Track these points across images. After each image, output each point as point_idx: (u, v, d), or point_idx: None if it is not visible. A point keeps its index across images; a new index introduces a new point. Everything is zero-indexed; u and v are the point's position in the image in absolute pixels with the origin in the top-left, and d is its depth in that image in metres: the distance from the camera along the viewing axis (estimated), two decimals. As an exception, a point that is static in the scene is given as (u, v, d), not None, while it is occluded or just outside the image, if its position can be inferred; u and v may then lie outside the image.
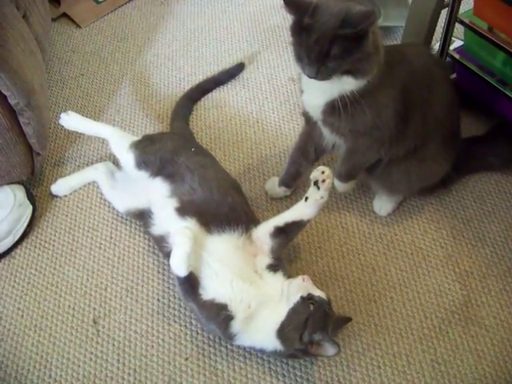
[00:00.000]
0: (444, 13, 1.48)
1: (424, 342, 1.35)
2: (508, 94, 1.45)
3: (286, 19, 2.18)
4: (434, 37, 1.56)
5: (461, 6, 1.45)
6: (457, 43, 1.85)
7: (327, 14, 1.15)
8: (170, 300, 1.44)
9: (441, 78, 1.37)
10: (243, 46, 2.09)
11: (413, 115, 1.32)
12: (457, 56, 1.55)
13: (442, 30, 1.50)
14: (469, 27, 1.47)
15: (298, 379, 1.30)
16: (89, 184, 1.68)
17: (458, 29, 1.58)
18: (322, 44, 1.15)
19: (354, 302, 1.42)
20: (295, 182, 1.58)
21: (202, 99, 1.90)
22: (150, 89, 1.95)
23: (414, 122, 1.33)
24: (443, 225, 1.55)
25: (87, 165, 1.72)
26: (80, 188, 1.67)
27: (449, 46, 1.54)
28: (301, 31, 1.19)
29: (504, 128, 1.62)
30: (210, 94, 1.91)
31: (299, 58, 1.24)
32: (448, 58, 1.57)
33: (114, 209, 1.61)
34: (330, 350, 1.16)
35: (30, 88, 1.45)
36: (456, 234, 1.53)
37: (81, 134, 1.79)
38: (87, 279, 1.49)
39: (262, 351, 1.28)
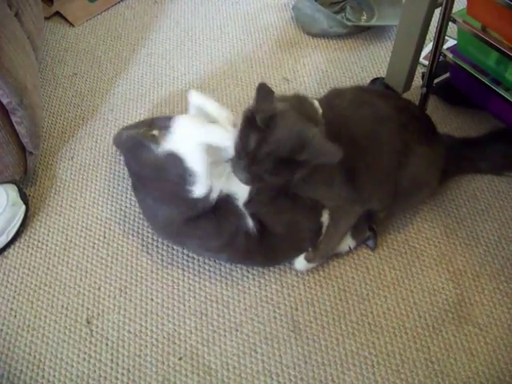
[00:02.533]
0: (437, 12, 1.48)
1: (418, 340, 1.35)
2: (501, 93, 1.45)
3: (279, 18, 2.18)
4: (427, 36, 1.56)
5: (454, 5, 1.45)
6: (450, 42, 1.85)
7: (287, 131, 1.11)
8: (163, 299, 1.43)
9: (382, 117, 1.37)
10: (237, 45, 2.09)
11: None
12: (450, 55, 1.55)
13: (435, 30, 1.50)
14: (462, 26, 1.47)
15: (292, 378, 1.30)
16: (81, 183, 1.67)
17: (452, 28, 1.58)
18: (268, 161, 1.11)
19: (347, 301, 1.42)
20: None
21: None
22: (144, 88, 1.95)
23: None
24: (436, 224, 1.55)
25: (80, 164, 1.72)
26: (73, 187, 1.66)
27: (442, 45, 1.54)
28: (253, 128, 1.12)
29: (498, 135, 1.63)
30: (203, 93, 1.90)
31: (237, 154, 1.16)
32: (441, 57, 1.57)
33: (107, 208, 1.61)
34: None
35: (22, 87, 1.44)
36: (449, 233, 1.53)
37: (74, 133, 1.80)
38: (80, 279, 1.48)
39: None
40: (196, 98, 1.44)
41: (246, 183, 1.19)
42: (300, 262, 1.44)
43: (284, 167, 1.13)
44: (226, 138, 1.25)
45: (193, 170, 1.27)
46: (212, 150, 1.28)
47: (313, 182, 1.26)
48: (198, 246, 1.44)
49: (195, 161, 1.27)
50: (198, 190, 1.29)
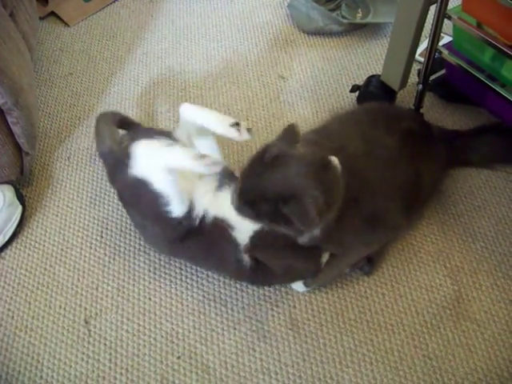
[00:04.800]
0: (433, 9, 1.48)
1: (416, 337, 1.35)
2: (497, 89, 1.45)
3: (274, 16, 2.18)
4: (422, 33, 1.56)
5: (449, 2, 1.45)
6: (446, 39, 1.85)
7: (283, 174, 1.09)
8: (161, 299, 1.43)
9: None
10: (232, 44, 2.09)
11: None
12: (446, 52, 1.55)
13: (430, 26, 1.50)
14: (457, 23, 1.47)
15: (291, 376, 1.30)
16: (78, 183, 1.67)
17: (447, 25, 1.58)
18: (253, 195, 1.10)
19: (345, 299, 1.42)
20: None
21: (192, 96, 1.90)
22: (140, 87, 1.95)
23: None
24: (434, 220, 1.55)
25: (77, 164, 1.72)
26: (70, 187, 1.66)
27: (437, 42, 1.54)
28: (259, 161, 1.13)
29: (490, 128, 1.63)
30: (199, 92, 1.91)
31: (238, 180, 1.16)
32: (437, 54, 1.57)
33: (104, 207, 1.61)
34: None
35: (18, 87, 1.44)
36: (447, 230, 1.54)
37: (70, 132, 1.80)
38: (78, 279, 1.48)
39: None
40: (188, 111, 1.40)
41: (235, 209, 1.16)
42: (298, 286, 1.43)
43: (266, 211, 1.10)
44: (185, 160, 1.24)
45: (162, 192, 1.27)
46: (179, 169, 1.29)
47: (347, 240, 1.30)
48: (190, 262, 1.47)
49: (162, 184, 1.27)
50: (176, 210, 1.29)
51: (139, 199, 1.33)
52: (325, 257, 1.36)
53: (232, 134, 1.32)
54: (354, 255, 1.39)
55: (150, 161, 1.28)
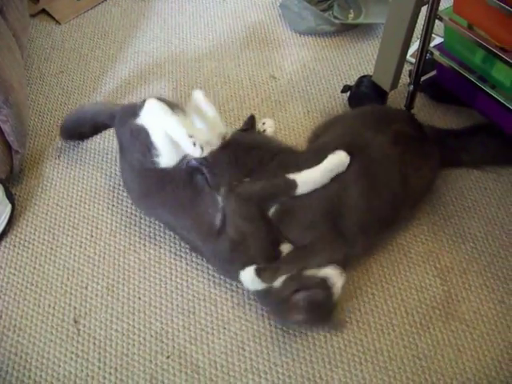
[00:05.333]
0: (424, 10, 1.48)
1: (405, 337, 1.36)
2: (487, 90, 1.46)
3: (266, 16, 2.18)
4: (414, 34, 1.57)
5: (440, 3, 1.45)
6: (437, 40, 1.86)
7: None
8: (151, 298, 1.43)
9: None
10: (224, 43, 2.08)
11: None
12: (437, 53, 1.56)
13: (422, 28, 1.50)
14: (448, 24, 1.47)
15: (280, 376, 1.30)
16: (68, 181, 1.67)
17: (438, 26, 1.59)
18: None
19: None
20: None
21: (183, 95, 1.89)
22: (131, 86, 1.94)
23: None
24: (424, 221, 1.56)
25: (67, 163, 1.71)
26: (60, 185, 1.65)
27: (429, 43, 1.55)
28: None
29: (480, 129, 1.64)
30: (190, 91, 1.90)
31: None
32: (428, 55, 1.57)
33: (94, 206, 1.61)
34: None
35: (7, 85, 1.44)
36: (437, 230, 1.54)
37: (60, 131, 1.79)
38: (67, 278, 1.48)
39: None
40: (199, 98, 1.53)
41: None
42: (248, 275, 1.31)
43: None
44: (178, 135, 1.38)
45: (156, 144, 1.41)
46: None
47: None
48: (168, 222, 1.50)
49: (158, 139, 1.41)
50: (164, 161, 1.42)
51: (135, 143, 1.45)
52: (284, 246, 1.35)
53: (187, 146, 1.39)
54: (314, 256, 1.34)
55: (152, 118, 1.42)
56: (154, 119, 1.42)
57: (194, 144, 1.36)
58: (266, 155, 1.44)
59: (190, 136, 1.37)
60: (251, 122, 1.71)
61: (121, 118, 1.53)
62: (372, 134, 1.45)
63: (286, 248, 1.35)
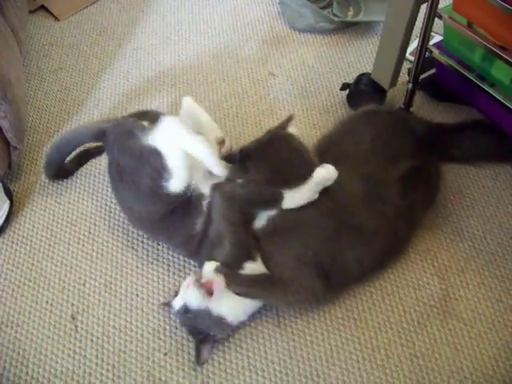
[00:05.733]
0: (423, 8, 1.48)
1: (403, 335, 1.36)
2: (486, 88, 1.45)
3: (266, 13, 2.17)
4: (413, 32, 1.57)
5: (440, 1, 1.45)
6: (436, 38, 1.86)
7: None
8: (148, 295, 1.43)
9: None
10: (223, 41, 2.08)
11: None
12: (436, 51, 1.56)
13: (421, 26, 1.50)
14: (448, 22, 1.47)
15: (277, 374, 1.30)
16: (67, 178, 1.67)
17: (438, 24, 1.59)
18: None
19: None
20: None
21: (182, 92, 1.89)
22: (129, 83, 1.94)
23: None
24: (422, 219, 1.55)
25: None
26: (58, 182, 1.65)
27: (428, 41, 1.54)
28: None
29: (472, 125, 1.63)
30: (189, 88, 1.90)
31: None
32: (427, 53, 1.57)
33: (92, 203, 1.61)
34: None
35: (6, 81, 1.43)
36: (435, 229, 1.54)
37: (60, 128, 1.79)
38: (65, 274, 1.48)
39: None
40: (189, 105, 1.51)
41: None
42: (208, 266, 1.32)
43: None
44: (205, 153, 1.33)
45: (170, 167, 1.33)
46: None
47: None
48: (167, 240, 1.48)
49: (174, 162, 1.33)
50: (174, 186, 1.35)
51: (139, 168, 1.37)
52: (254, 264, 1.33)
53: (213, 166, 1.35)
54: (281, 296, 1.33)
55: (172, 137, 1.34)
56: (172, 139, 1.34)
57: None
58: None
59: (217, 155, 1.35)
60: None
61: (118, 136, 1.44)
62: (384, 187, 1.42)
63: (250, 267, 1.32)
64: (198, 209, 1.38)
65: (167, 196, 1.36)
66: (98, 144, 1.61)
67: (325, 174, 1.32)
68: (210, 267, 1.30)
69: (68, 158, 1.62)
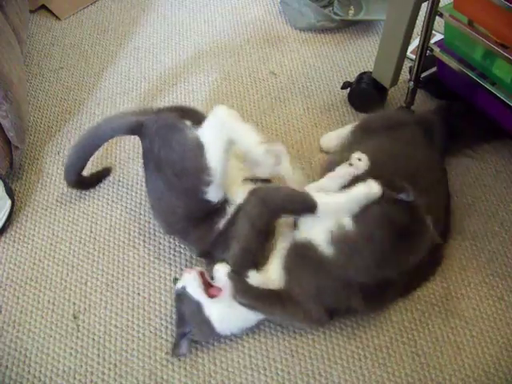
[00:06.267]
0: (424, 6, 1.48)
1: (404, 334, 1.36)
2: (488, 87, 1.45)
3: (266, 12, 2.17)
4: (414, 31, 1.57)
5: (441, 0, 1.45)
6: (437, 37, 1.86)
7: None
8: (150, 294, 1.43)
9: None
10: (224, 39, 2.08)
11: None
12: (437, 49, 1.56)
13: (422, 24, 1.50)
14: (449, 21, 1.47)
15: (279, 372, 1.30)
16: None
17: (439, 22, 1.59)
18: None
19: (334, 295, 1.42)
20: None
21: (183, 91, 1.89)
22: (131, 82, 1.94)
23: None
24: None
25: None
26: (59, 181, 1.65)
27: (429, 39, 1.55)
28: None
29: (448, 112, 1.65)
30: (190, 87, 1.90)
31: None
32: (428, 52, 1.57)
33: (93, 202, 1.61)
34: None
35: (7, 80, 1.43)
36: (436, 227, 1.54)
37: (61, 127, 1.79)
38: (67, 274, 1.48)
39: None
40: (224, 115, 1.33)
41: None
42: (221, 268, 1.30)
43: None
44: (254, 144, 1.28)
45: (209, 165, 1.30)
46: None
47: None
48: (183, 234, 1.45)
49: (214, 153, 1.30)
50: (212, 194, 1.34)
51: (184, 165, 1.34)
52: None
53: (267, 161, 1.29)
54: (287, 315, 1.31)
55: (220, 125, 1.30)
56: (220, 130, 1.29)
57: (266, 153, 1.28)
58: None
59: (267, 144, 1.28)
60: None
61: (160, 129, 1.40)
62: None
63: (253, 276, 1.29)
64: (223, 211, 1.37)
65: (201, 200, 1.34)
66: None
67: (366, 191, 1.24)
68: (222, 270, 1.28)
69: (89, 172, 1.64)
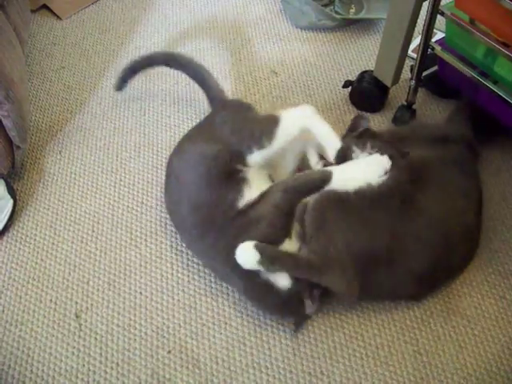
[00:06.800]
0: (425, 5, 1.48)
1: (406, 332, 1.36)
2: (489, 85, 1.45)
3: (268, 11, 2.17)
4: (415, 29, 1.57)
5: (442, -2, 1.45)
6: (438, 35, 1.85)
7: None
8: (152, 293, 1.43)
9: None
10: (225, 38, 2.08)
11: None
12: (438, 48, 1.56)
13: (423, 23, 1.50)
14: (450, 19, 1.47)
15: (281, 371, 1.30)
16: (70, 177, 1.67)
17: (440, 21, 1.58)
18: None
19: (336, 294, 1.42)
20: None
21: (184, 91, 1.89)
22: (132, 82, 1.93)
23: None
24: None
25: (69, 158, 1.71)
26: (61, 181, 1.66)
27: (430, 38, 1.54)
28: None
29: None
30: (191, 87, 1.90)
31: None
32: (430, 50, 1.57)
33: (95, 202, 1.61)
34: None
35: (8, 80, 1.44)
36: (438, 226, 1.54)
37: (62, 126, 1.79)
38: (69, 273, 1.48)
39: None
40: (310, 111, 1.47)
41: None
42: (245, 249, 1.26)
43: None
44: (326, 130, 1.43)
45: (276, 135, 1.40)
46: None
47: None
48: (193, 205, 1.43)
49: (286, 128, 1.42)
50: (252, 159, 1.42)
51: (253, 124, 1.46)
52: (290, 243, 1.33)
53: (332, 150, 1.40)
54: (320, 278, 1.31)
55: (303, 115, 1.45)
56: (301, 117, 1.43)
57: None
58: None
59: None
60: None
61: (230, 107, 1.59)
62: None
63: (288, 244, 1.31)
64: (240, 189, 1.38)
65: (237, 158, 1.41)
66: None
67: (377, 161, 1.31)
68: (247, 247, 1.25)
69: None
